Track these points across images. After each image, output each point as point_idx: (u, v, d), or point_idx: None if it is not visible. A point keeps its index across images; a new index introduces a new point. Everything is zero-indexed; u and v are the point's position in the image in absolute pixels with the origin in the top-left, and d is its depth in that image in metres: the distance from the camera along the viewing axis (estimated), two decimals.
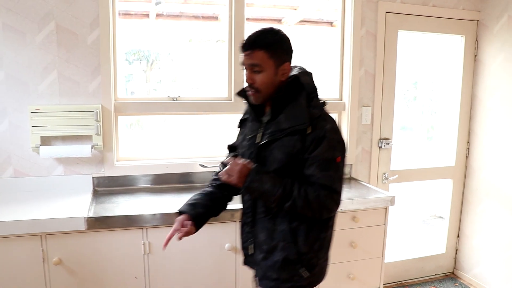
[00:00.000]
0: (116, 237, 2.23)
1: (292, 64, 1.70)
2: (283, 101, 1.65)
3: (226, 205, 1.90)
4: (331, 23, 3.25)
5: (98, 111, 2.57)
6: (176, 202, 2.47)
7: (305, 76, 1.70)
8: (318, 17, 3.30)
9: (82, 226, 2.15)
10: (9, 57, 2.48)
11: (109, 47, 2.61)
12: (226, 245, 2.37)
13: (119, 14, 2.72)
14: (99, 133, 2.57)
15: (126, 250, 2.26)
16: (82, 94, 2.60)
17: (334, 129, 1.63)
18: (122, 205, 2.42)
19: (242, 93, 1.74)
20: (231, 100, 2.89)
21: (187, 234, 1.69)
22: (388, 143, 3.21)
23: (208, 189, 1.88)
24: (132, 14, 2.94)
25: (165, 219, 2.25)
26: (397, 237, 3.73)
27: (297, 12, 3.21)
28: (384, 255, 2.71)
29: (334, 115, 3.17)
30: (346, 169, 3.13)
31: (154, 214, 2.25)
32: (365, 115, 3.13)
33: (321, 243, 1.71)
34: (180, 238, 1.68)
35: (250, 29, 2.91)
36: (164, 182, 2.80)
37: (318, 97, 1.69)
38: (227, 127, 3.03)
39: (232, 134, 2.83)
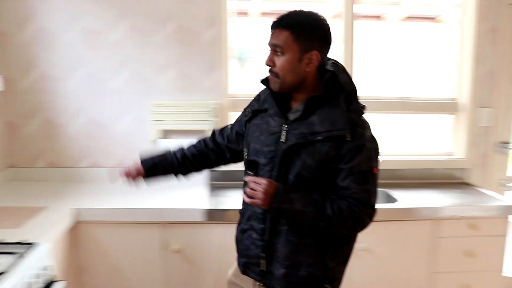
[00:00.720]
0: (232, 230, 2.32)
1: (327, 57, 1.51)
2: (320, 101, 1.46)
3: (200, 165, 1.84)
4: (435, 18, 3.09)
5: (214, 106, 2.68)
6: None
7: (343, 74, 1.49)
8: (423, 13, 3.15)
9: (201, 217, 2.28)
10: (134, 56, 2.67)
11: (225, 44, 2.71)
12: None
13: (237, 13, 2.80)
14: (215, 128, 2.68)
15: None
16: (199, 90, 2.73)
17: (372, 137, 1.46)
18: (235, 199, 2.51)
19: (265, 82, 1.56)
20: None
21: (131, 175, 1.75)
22: (508, 147, 2.99)
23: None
24: (247, 13, 3.00)
25: None
26: None
27: (401, 8, 3.09)
28: (504, 269, 2.54)
29: (448, 117, 3.02)
30: (460, 173, 2.99)
31: None
32: (484, 116, 2.93)
33: (345, 256, 1.57)
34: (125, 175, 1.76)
35: (358, 26, 2.86)
36: None
37: (358, 99, 1.50)
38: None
39: None
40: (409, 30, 3.13)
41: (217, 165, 1.88)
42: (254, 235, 1.58)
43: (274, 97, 1.54)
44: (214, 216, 2.28)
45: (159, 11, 2.65)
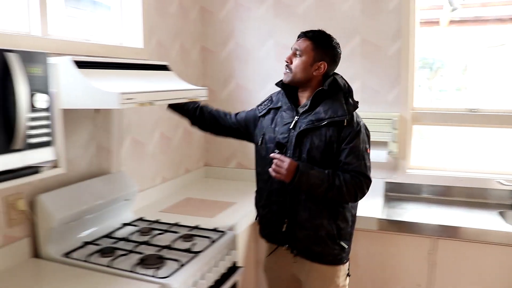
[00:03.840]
0: (403, 241, 2.31)
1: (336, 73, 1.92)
2: (323, 96, 1.82)
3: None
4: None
5: (395, 119, 2.69)
6: (465, 216, 2.39)
7: (341, 79, 1.89)
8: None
9: (374, 226, 2.31)
10: None
11: (408, 57, 2.70)
12: None
13: (425, 23, 2.79)
14: (395, 140, 2.69)
15: (412, 256, 2.31)
16: (381, 102, 2.77)
17: (364, 125, 1.86)
18: (410, 212, 2.48)
19: (279, 84, 1.96)
20: None
21: None
22: None
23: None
24: (422, 22, 2.96)
25: (453, 232, 2.22)
26: None
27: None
28: None
29: None
30: None
31: (442, 226, 2.24)
32: None
33: (352, 219, 1.90)
34: None
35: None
36: (453, 195, 2.71)
37: (353, 97, 1.86)
38: None
39: None
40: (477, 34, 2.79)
41: (220, 133, 2.25)
42: (275, 208, 1.91)
43: (287, 95, 1.93)
44: (387, 226, 2.31)
45: (345, 27, 2.78)
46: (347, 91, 1.87)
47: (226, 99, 3.08)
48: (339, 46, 1.90)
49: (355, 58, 2.78)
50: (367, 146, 1.85)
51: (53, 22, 1.96)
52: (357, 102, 1.88)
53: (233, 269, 2.01)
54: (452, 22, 2.95)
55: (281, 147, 1.87)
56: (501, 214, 2.44)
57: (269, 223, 1.97)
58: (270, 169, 1.80)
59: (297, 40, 1.92)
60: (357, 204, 1.93)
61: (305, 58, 1.85)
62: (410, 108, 2.76)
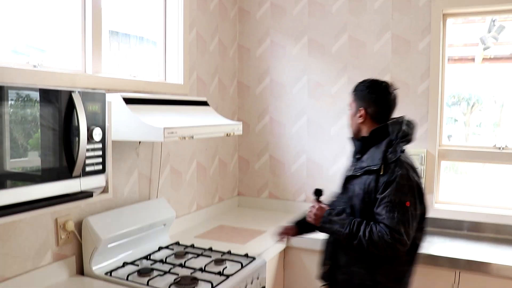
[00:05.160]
0: (429, 274, 2.34)
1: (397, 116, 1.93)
2: (369, 143, 1.88)
3: None
4: None
5: (423, 155, 2.77)
6: (492, 252, 2.41)
7: (395, 125, 1.86)
8: None
9: None
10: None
11: (437, 96, 2.78)
12: None
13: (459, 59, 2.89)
14: (422, 175, 2.76)
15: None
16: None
17: (405, 176, 1.76)
18: (436, 245, 2.52)
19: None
20: None
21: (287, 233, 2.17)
22: None
23: None
24: (456, 59, 3.05)
25: (479, 267, 2.24)
26: None
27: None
28: None
29: None
30: None
31: (468, 260, 2.27)
32: None
33: (398, 276, 1.83)
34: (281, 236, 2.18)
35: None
36: (481, 230, 2.73)
37: (400, 144, 1.82)
38: None
39: None
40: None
41: None
42: (324, 249, 2.01)
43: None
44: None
45: (375, 65, 2.91)
46: (395, 137, 1.83)
47: (260, 133, 3.25)
48: (379, 85, 1.94)
49: None
50: (404, 197, 1.75)
51: (104, 59, 2.17)
52: (402, 150, 1.83)
53: None
54: (485, 59, 3.03)
55: (318, 193, 2.02)
56: None
57: (320, 262, 2.06)
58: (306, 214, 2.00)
59: None
60: (408, 261, 1.86)
61: (351, 111, 1.98)
62: (438, 145, 2.83)
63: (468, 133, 3.24)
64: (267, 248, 2.39)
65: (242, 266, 2.04)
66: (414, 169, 1.83)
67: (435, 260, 2.34)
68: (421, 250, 1.92)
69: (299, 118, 3.12)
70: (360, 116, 1.92)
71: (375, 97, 1.92)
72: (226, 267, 2.04)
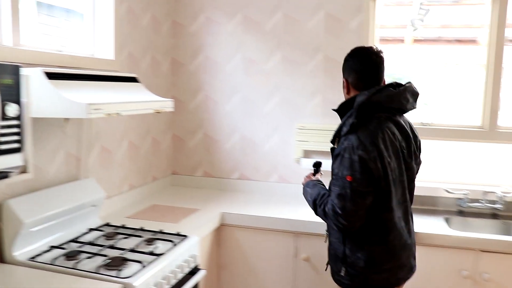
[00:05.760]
0: None
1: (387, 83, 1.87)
2: (341, 115, 1.87)
3: None
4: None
5: None
6: (416, 223, 2.54)
7: (362, 96, 1.76)
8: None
9: None
10: (285, 83, 2.99)
11: None
12: (463, 272, 2.30)
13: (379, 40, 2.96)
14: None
15: None
16: None
17: (350, 148, 1.70)
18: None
19: None
20: (483, 128, 2.81)
21: None
22: None
23: None
24: (389, 40, 3.14)
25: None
26: None
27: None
28: None
29: None
30: None
31: None
32: None
33: (368, 255, 1.81)
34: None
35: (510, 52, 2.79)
36: None
37: (354, 116, 1.73)
38: (479, 155, 2.92)
39: (484, 164, 2.75)
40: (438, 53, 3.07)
41: None
42: None
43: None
44: None
45: (308, 43, 2.93)
46: (355, 109, 1.75)
47: (195, 110, 3.19)
48: (357, 52, 1.89)
49: (318, 74, 2.93)
50: (345, 172, 1.71)
51: (25, 30, 2.03)
52: (354, 122, 1.74)
53: (194, 271, 2.10)
54: (416, 41, 3.14)
55: (316, 166, 2.16)
56: (446, 220, 2.61)
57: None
58: None
59: None
60: (377, 242, 1.82)
61: (344, 85, 1.95)
62: None
63: None
64: (200, 226, 2.37)
65: (173, 245, 2.02)
66: (368, 144, 1.70)
67: None
68: (402, 235, 1.87)
69: (233, 96, 3.10)
70: (344, 88, 1.92)
71: (352, 64, 1.88)
72: (157, 247, 2.00)
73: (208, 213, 2.60)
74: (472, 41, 3.02)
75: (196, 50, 3.15)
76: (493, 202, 2.70)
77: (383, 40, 3.07)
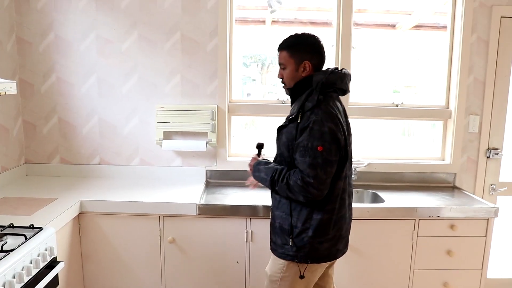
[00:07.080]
0: (223, 224, 2.50)
1: (331, 67, 1.97)
2: (296, 95, 1.97)
3: None
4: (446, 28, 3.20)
5: (214, 110, 2.89)
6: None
7: (320, 75, 1.90)
8: (434, 22, 3.27)
9: (194, 211, 2.47)
10: (142, 63, 2.91)
11: (225, 53, 2.91)
12: None
13: (236, 21, 3.01)
14: (214, 130, 2.89)
15: (231, 236, 2.51)
16: (201, 95, 2.94)
17: (319, 121, 1.82)
18: (230, 196, 2.69)
19: (288, 93, 2.07)
20: None
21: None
22: (498, 153, 3.09)
23: None
24: (249, 21, 3.20)
25: (267, 211, 2.45)
26: (508, 253, 3.54)
27: (411, 17, 3.22)
28: (486, 269, 2.64)
29: (439, 123, 3.15)
30: (449, 177, 3.11)
31: (256, 206, 2.48)
32: (473, 123, 3.05)
33: (315, 224, 1.90)
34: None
35: (360, 34, 3.03)
36: None
37: (316, 92, 1.88)
38: None
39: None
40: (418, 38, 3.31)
41: None
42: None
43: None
44: (206, 210, 2.48)
45: (165, 22, 2.88)
46: (315, 87, 1.90)
47: (47, 94, 2.97)
48: (312, 37, 1.97)
49: (176, 53, 2.90)
50: (316, 142, 1.81)
51: None
52: (319, 97, 1.87)
53: (53, 265, 1.98)
54: (274, 22, 3.24)
55: (259, 147, 2.20)
56: None
57: None
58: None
59: (278, 55, 2.02)
60: (327, 210, 1.91)
61: (290, 68, 1.97)
62: (228, 101, 2.98)
63: (265, 92, 3.47)
64: (56, 216, 2.23)
65: (26, 239, 1.87)
66: (333, 117, 1.86)
67: (230, 210, 2.49)
68: (345, 206, 2.00)
69: (88, 77, 2.94)
70: (303, 71, 1.95)
71: (315, 48, 1.96)
72: (6, 243, 1.84)
73: (66, 202, 2.45)
74: (325, 23, 3.21)
75: (45, 28, 2.91)
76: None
77: (243, 20, 3.13)
